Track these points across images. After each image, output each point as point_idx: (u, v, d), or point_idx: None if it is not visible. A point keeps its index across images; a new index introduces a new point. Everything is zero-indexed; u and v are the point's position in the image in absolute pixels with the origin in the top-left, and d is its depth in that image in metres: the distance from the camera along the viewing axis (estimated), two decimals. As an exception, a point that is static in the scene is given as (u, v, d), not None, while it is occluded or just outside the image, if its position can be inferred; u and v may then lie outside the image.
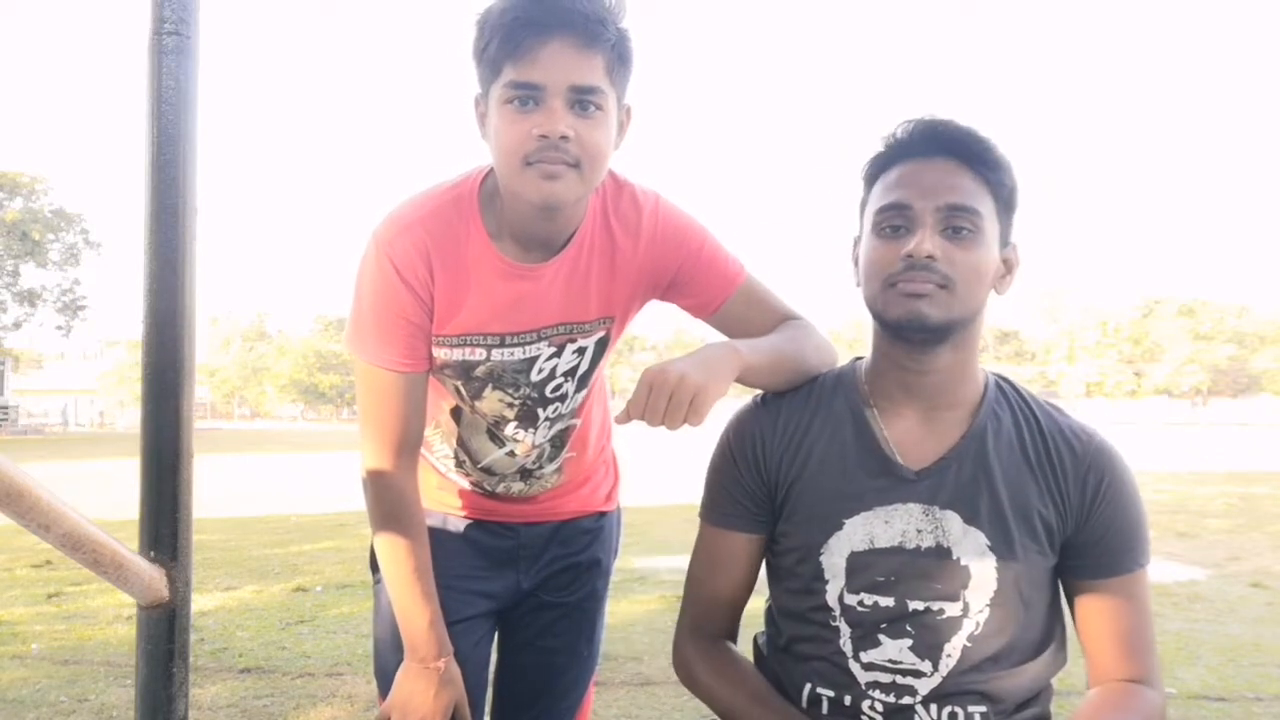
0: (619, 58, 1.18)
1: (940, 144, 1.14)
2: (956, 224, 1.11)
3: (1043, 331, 65.32)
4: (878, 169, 1.19)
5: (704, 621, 1.28)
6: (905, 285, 1.11)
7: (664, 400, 1.13)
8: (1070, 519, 1.15)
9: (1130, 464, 1.20)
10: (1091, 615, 1.16)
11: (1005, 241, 1.18)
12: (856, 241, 1.22)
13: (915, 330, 1.12)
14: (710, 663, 1.25)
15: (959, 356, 1.17)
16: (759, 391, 1.31)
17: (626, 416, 1.17)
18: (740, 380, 1.24)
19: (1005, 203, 1.16)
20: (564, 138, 1.14)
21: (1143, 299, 62.13)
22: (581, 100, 1.15)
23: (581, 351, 1.37)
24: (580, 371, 1.39)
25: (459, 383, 1.37)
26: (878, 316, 1.17)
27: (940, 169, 1.13)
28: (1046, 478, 1.15)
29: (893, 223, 1.14)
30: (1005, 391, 1.22)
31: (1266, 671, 3.69)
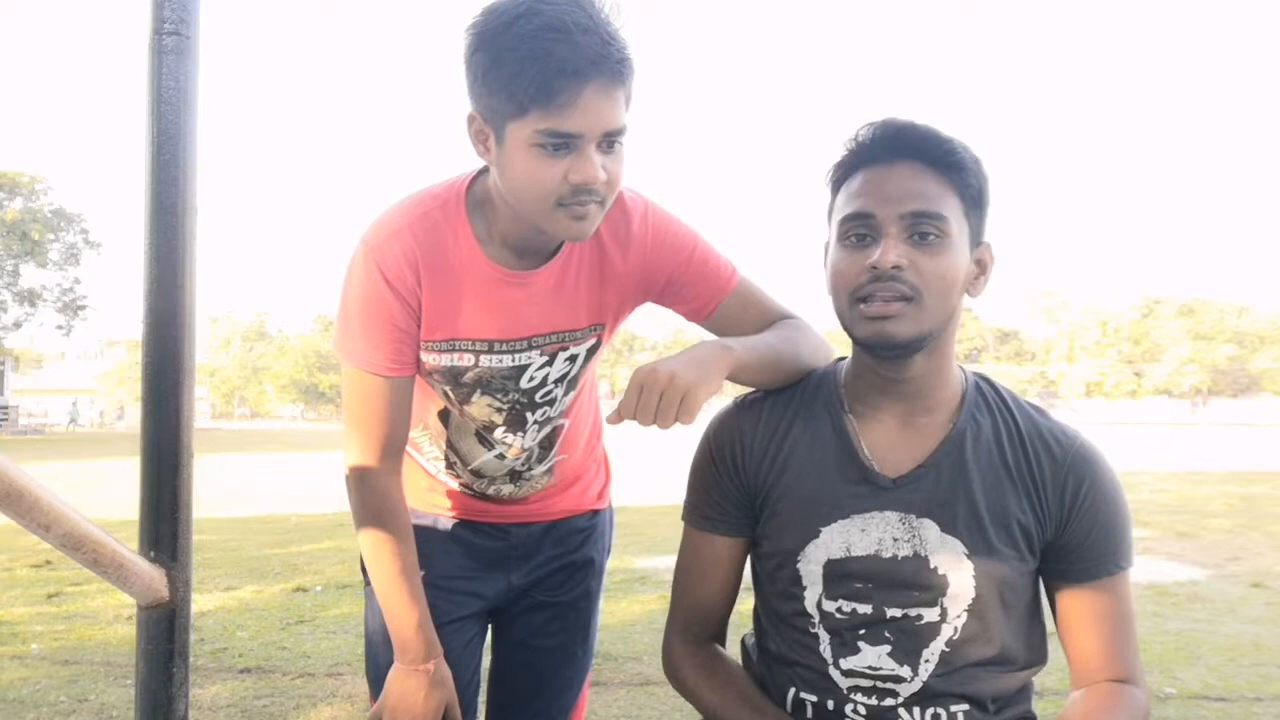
0: (632, 88, 1.17)
1: (902, 147, 1.11)
2: (922, 230, 1.09)
3: (1043, 331, 65.33)
4: (841, 175, 1.17)
5: (691, 624, 1.28)
6: (870, 306, 1.09)
7: (655, 400, 1.13)
8: (1050, 524, 1.14)
9: (1113, 465, 1.19)
10: (1074, 618, 1.16)
11: (977, 241, 1.15)
12: (826, 248, 1.20)
13: (884, 349, 1.12)
14: (698, 664, 1.25)
15: (933, 361, 1.15)
16: (742, 392, 1.30)
17: (619, 417, 1.17)
18: (733, 379, 1.24)
19: (973, 202, 1.13)
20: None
21: (1143, 299, 62.13)
22: (609, 140, 1.14)
23: (573, 359, 1.37)
24: (570, 376, 1.39)
25: (447, 387, 1.37)
26: (847, 332, 1.16)
27: (903, 174, 1.10)
28: (1025, 484, 1.14)
29: (857, 232, 1.12)
30: (985, 394, 1.21)
31: (1266, 671, 3.68)
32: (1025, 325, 67.13)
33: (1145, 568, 5.87)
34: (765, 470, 1.21)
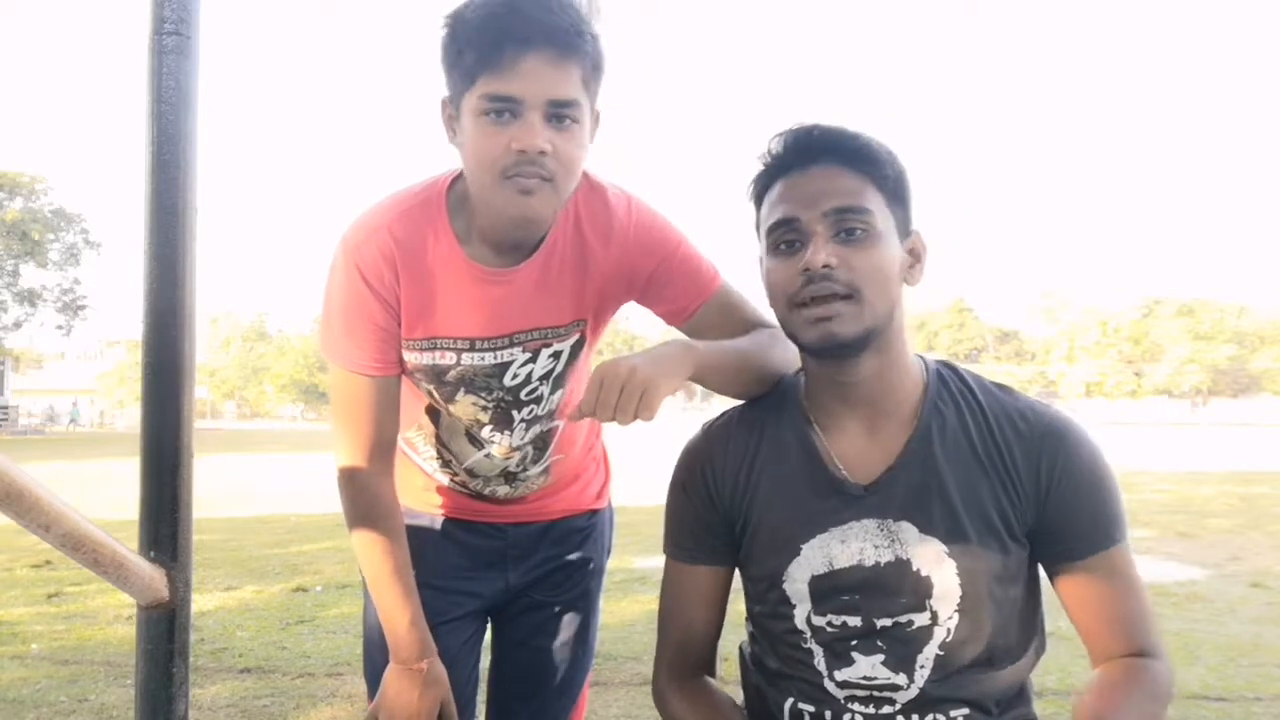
0: (593, 67, 1.18)
1: (815, 150, 1.12)
2: (848, 227, 1.09)
3: (1043, 331, 65.33)
4: (761, 188, 1.17)
5: (679, 657, 1.27)
6: (811, 309, 1.09)
7: (615, 394, 1.12)
8: (1027, 506, 1.12)
9: (1093, 437, 1.16)
10: (1077, 598, 1.13)
11: (906, 232, 1.15)
12: (761, 262, 1.20)
13: (832, 351, 1.10)
14: (685, 697, 1.24)
15: (885, 359, 1.14)
16: (710, 418, 1.30)
17: (579, 413, 1.16)
18: (698, 380, 1.23)
19: (893, 193, 1.13)
20: (541, 152, 1.13)
21: (1143, 299, 62.17)
22: (559, 114, 1.14)
23: (557, 356, 1.36)
24: (555, 373, 1.38)
25: (431, 386, 1.37)
26: (793, 339, 1.15)
27: (820, 175, 1.11)
28: (997, 470, 1.12)
29: (785, 239, 1.12)
30: (948, 382, 1.18)
31: (1266, 671, 3.68)
32: (1025, 325, 67.17)
33: (1145, 568, 5.77)
34: (739, 495, 1.20)
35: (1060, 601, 1.17)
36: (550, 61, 1.12)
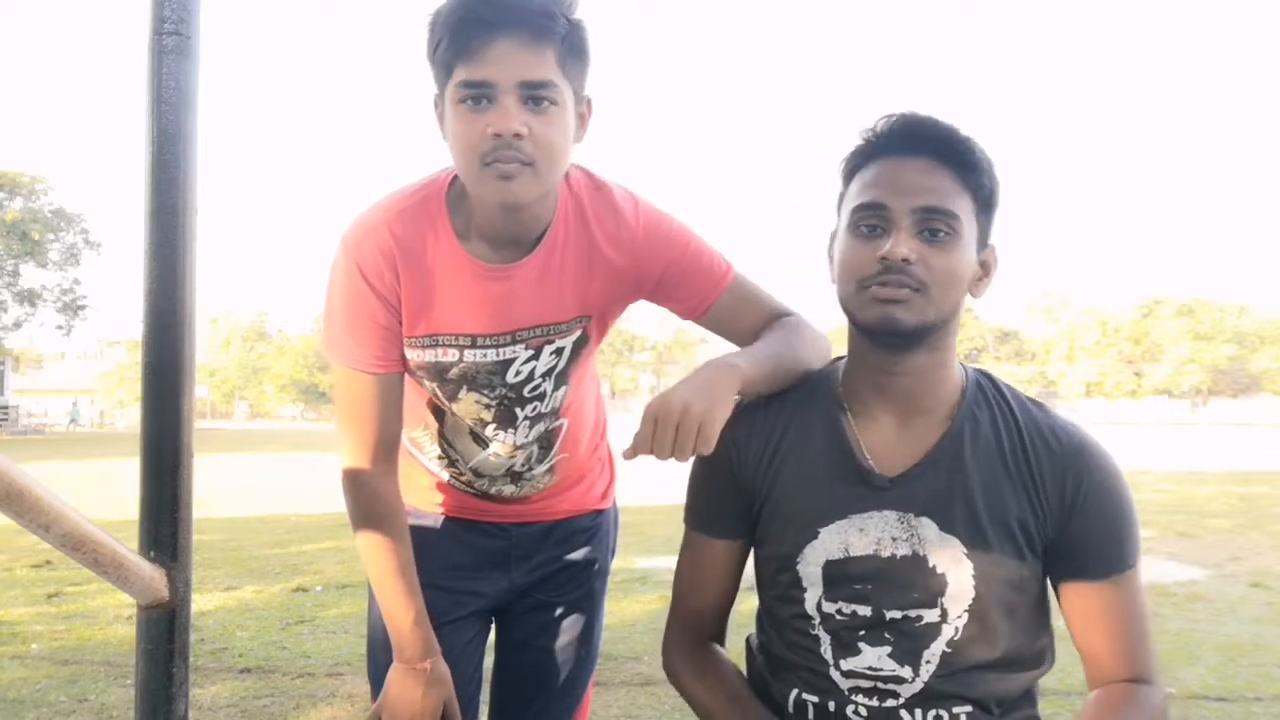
0: (571, 50, 1.17)
1: (919, 142, 1.11)
2: (933, 226, 1.09)
3: (1043, 331, 65.28)
4: (856, 164, 1.17)
5: (690, 625, 1.28)
6: (879, 290, 1.09)
7: (671, 431, 1.12)
8: (1050, 523, 1.13)
9: (1117, 460, 1.17)
10: (1083, 617, 1.14)
11: (984, 243, 1.16)
12: (833, 237, 1.20)
13: (887, 334, 1.11)
14: (694, 665, 1.25)
15: (934, 359, 1.15)
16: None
17: (634, 452, 1.15)
18: (741, 392, 1.23)
19: (984, 203, 1.14)
20: (518, 135, 1.13)
21: (1143, 299, 62.08)
22: (534, 96, 1.14)
23: (559, 352, 1.36)
24: (557, 370, 1.38)
25: (434, 385, 1.37)
26: (850, 317, 1.15)
27: (918, 168, 1.10)
28: (1024, 481, 1.13)
29: (868, 222, 1.11)
30: (985, 390, 1.20)
31: (1266, 671, 3.68)
32: (1025, 325, 67.09)
33: (1145, 568, 5.82)
34: (762, 475, 1.21)
35: (1064, 618, 1.18)
36: (522, 43, 1.13)
